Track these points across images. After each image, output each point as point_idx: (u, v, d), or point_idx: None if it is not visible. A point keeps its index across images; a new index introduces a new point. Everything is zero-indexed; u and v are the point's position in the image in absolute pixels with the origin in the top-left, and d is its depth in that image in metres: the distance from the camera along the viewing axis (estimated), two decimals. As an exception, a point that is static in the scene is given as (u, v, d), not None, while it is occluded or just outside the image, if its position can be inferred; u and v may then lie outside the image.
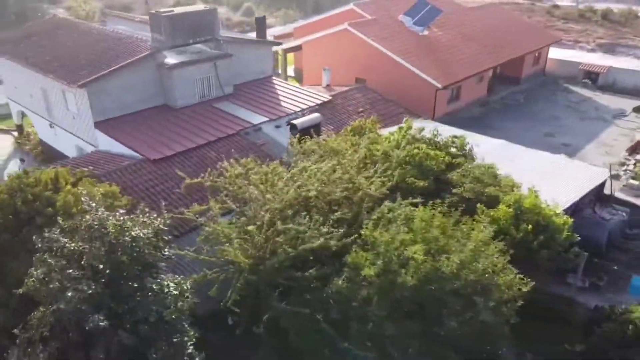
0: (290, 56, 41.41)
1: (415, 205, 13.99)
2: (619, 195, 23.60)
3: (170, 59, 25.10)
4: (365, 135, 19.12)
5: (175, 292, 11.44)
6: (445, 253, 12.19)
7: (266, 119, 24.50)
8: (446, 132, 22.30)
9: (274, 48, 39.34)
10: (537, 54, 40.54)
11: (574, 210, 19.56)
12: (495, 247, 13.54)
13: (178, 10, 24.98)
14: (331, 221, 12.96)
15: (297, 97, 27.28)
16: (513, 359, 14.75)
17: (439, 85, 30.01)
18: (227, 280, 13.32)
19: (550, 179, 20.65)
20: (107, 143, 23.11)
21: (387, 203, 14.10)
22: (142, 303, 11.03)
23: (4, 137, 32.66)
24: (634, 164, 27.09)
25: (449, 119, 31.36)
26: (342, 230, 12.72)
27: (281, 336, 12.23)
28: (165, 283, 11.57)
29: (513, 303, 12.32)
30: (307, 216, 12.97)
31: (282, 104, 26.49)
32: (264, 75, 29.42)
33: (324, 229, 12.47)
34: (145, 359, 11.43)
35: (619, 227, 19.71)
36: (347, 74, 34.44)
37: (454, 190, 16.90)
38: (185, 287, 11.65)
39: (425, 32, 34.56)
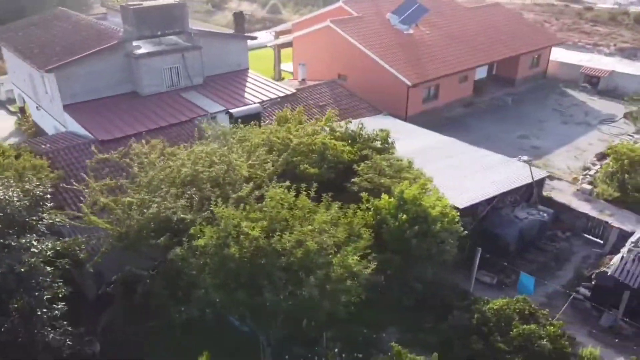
0: (289, 52, 42.48)
1: (294, 189, 14.70)
2: (563, 198, 23.40)
3: (142, 50, 26.82)
4: (285, 124, 19.98)
5: (34, 250, 12.86)
6: (291, 232, 13.02)
7: (222, 108, 25.76)
8: (395, 127, 22.95)
9: (270, 43, 40.86)
10: (536, 56, 39.78)
11: (492, 207, 19.71)
12: (362, 233, 14.26)
13: (147, 3, 26.63)
14: (192, 198, 14.05)
15: (263, 90, 28.42)
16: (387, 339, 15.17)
17: (409, 83, 30.30)
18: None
19: (476, 175, 20.85)
20: (75, 125, 25.08)
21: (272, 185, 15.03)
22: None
23: (11, 118, 35.71)
24: (597, 170, 26.49)
25: (424, 117, 31.67)
26: (190, 205, 13.86)
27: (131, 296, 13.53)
28: (29, 242, 13.01)
29: (354, 283, 12.97)
30: (173, 193, 14.11)
31: (246, 95, 27.69)
32: (239, 67, 30.71)
33: (173, 204, 13.58)
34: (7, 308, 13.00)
35: (536, 227, 19.61)
36: (330, 70, 35.26)
37: (353, 180, 17.56)
38: (46, 247, 13.04)
39: (411, 31, 34.79)
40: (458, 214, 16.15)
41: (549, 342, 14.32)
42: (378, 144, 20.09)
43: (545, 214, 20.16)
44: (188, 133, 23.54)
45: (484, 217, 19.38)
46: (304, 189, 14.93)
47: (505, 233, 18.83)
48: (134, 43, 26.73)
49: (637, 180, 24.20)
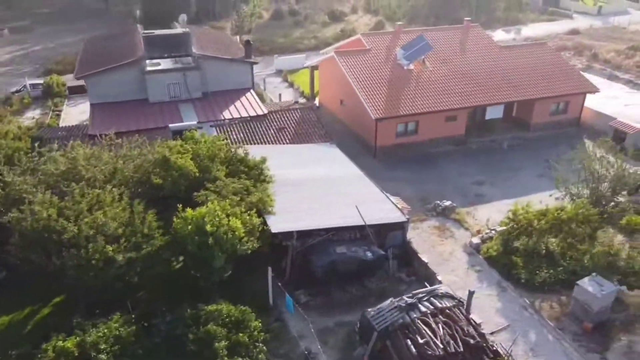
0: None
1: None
2: (441, 248, 24.76)
3: (153, 67, 34.31)
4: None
5: None
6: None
7: (195, 121, 31.86)
8: (317, 154, 27.26)
9: (305, 64, 45.87)
10: (561, 102, 38.04)
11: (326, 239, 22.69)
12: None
13: (159, 32, 33.96)
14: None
15: (242, 108, 33.90)
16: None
17: (373, 117, 32.93)
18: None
19: (329, 208, 23.83)
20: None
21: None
22: None
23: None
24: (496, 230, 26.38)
25: (399, 149, 34.30)
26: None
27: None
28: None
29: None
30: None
31: (225, 112, 33.46)
32: (242, 86, 36.62)
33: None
34: None
35: (355, 264, 21.99)
36: (335, 96, 39.34)
37: (195, 193, 22.28)
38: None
39: (411, 67, 36.76)
40: (243, 234, 20.02)
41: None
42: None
43: (370, 254, 22.33)
44: (162, 135, 30.13)
45: (312, 245, 22.48)
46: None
47: (315, 261, 21.75)
48: (153, 61, 34.37)
49: (527, 242, 24.31)
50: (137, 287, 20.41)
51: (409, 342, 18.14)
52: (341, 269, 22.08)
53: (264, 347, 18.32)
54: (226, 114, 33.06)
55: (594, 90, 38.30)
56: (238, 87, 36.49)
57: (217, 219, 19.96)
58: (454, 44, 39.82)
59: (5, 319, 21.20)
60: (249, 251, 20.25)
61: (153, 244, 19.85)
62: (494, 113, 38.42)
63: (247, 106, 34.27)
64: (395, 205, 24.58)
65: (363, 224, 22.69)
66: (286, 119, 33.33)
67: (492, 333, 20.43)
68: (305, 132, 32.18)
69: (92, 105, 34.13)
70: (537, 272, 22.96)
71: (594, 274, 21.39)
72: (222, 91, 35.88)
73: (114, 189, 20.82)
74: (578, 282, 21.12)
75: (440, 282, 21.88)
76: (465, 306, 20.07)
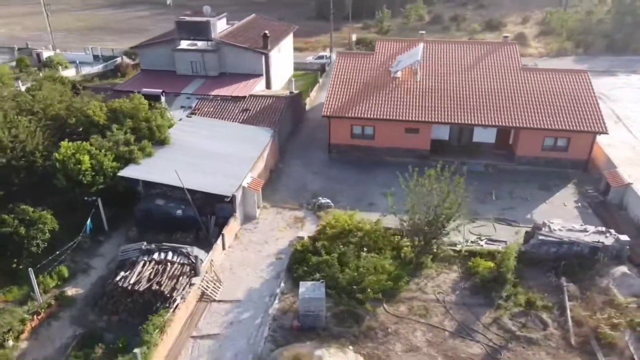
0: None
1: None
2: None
3: (181, 46, 42.40)
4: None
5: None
6: None
7: (160, 90, 38.23)
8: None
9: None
10: (561, 138, 33.28)
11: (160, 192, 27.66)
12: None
13: (189, 18, 41.61)
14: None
15: (233, 90, 39.52)
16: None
17: (323, 113, 35.01)
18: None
19: (192, 173, 28.36)
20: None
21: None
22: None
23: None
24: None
25: (353, 151, 35.89)
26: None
27: None
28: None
29: None
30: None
31: (219, 90, 39.54)
32: (254, 72, 42.19)
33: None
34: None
35: (163, 213, 26.41)
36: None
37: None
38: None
39: (398, 74, 36.98)
40: (87, 168, 26.37)
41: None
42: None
43: (179, 212, 26.29)
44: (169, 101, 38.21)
45: (150, 195, 27.62)
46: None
47: (138, 206, 26.90)
48: (189, 42, 42.58)
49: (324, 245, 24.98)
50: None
51: (117, 272, 22.48)
52: (156, 217, 26.81)
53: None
54: (217, 92, 39.14)
55: (601, 130, 32.46)
56: (251, 72, 42.15)
57: (70, 151, 26.81)
58: (466, 59, 37.98)
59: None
60: (88, 181, 26.48)
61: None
62: (483, 136, 36.03)
63: (238, 88, 39.78)
64: (243, 185, 27.76)
65: (186, 187, 26.76)
66: (257, 103, 37.80)
67: (219, 301, 22.91)
68: (260, 116, 36.19)
69: (141, 70, 44.15)
70: (305, 268, 23.78)
71: (321, 280, 21.74)
72: (236, 74, 42.05)
73: (31, 117, 29.45)
74: (302, 282, 21.80)
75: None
76: (194, 268, 23.00)
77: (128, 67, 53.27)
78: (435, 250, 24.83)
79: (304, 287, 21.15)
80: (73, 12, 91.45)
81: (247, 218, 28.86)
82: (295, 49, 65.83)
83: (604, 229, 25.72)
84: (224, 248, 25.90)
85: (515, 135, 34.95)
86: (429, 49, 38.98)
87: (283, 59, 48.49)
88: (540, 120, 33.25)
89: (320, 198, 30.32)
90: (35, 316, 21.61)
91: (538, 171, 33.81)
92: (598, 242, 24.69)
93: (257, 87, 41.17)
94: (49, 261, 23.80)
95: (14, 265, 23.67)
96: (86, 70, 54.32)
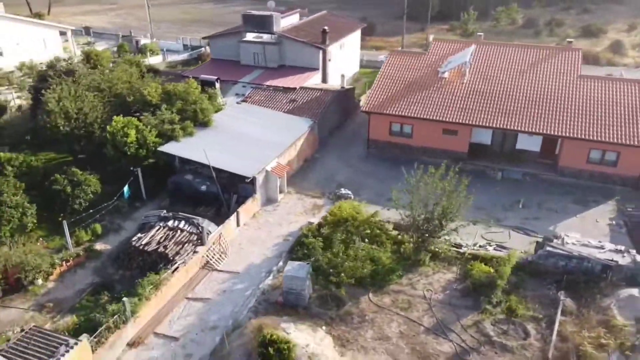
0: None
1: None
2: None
3: (248, 38, 45.10)
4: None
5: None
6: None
7: (254, 84, 41.24)
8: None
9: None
10: (610, 152, 31.25)
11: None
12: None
13: (256, 12, 44.07)
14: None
15: (286, 81, 41.41)
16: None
17: (362, 109, 35.75)
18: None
19: (227, 154, 30.72)
20: (210, 69, 47.08)
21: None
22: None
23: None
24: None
25: (391, 147, 36.41)
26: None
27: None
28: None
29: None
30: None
31: (273, 81, 41.64)
32: (310, 66, 43.87)
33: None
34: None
35: (189, 187, 28.84)
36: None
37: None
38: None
39: (445, 75, 36.69)
40: (133, 141, 29.64)
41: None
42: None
43: (204, 187, 28.59)
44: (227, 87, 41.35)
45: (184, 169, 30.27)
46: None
47: (170, 179, 29.66)
48: (255, 34, 45.30)
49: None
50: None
51: (137, 233, 25.25)
52: (184, 190, 29.45)
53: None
54: (271, 82, 41.29)
55: (650, 145, 30.03)
56: (308, 65, 43.88)
57: (119, 125, 30.26)
58: (521, 63, 36.67)
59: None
60: (132, 152, 29.78)
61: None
62: (528, 144, 34.79)
63: (292, 80, 41.63)
64: (266, 169, 29.62)
65: (212, 166, 29.03)
66: (305, 95, 39.39)
67: (220, 271, 24.88)
68: (305, 107, 37.74)
69: (212, 59, 47.64)
70: (305, 250, 24.96)
71: (308, 262, 22.87)
72: (294, 67, 44.02)
73: (97, 93, 33.50)
74: (290, 261, 23.04)
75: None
76: (200, 238, 25.13)
77: (209, 56, 57.31)
78: (433, 248, 24.86)
79: (290, 266, 22.40)
80: (181, 5, 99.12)
81: (269, 201, 30.58)
82: (373, 47, 67.04)
83: (622, 247, 24.16)
84: (238, 224, 27.82)
85: (560, 145, 33.33)
86: (483, 51, 38.14)
87: (346, 55, 49.57)
88: (586, 130, 31.49)
89: (342, 189, 31.24)
90: (64, 263, 24.95)
91: (581, 185, 32.05)
92: (612, 260, 23.32)
93: (313, 80, 42.75)
94: (87, 218, 27.23)
95: (60, 219, 27.31)
96: (172, 57, 59.33)
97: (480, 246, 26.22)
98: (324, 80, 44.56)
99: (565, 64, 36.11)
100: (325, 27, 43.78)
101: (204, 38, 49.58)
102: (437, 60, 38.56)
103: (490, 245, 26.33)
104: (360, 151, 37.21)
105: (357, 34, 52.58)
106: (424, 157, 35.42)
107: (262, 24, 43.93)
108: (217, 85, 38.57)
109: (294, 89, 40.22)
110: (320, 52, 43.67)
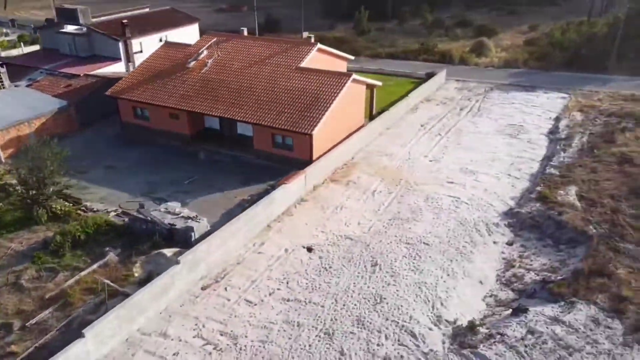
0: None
1: None
2: None
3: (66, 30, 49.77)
4: None
5: None
6: None
7: (54, 70, 46.05)
8: None
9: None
10: (288, 138, 34.02)
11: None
12: None
13: (66, 6, 48.64)
14: None
15: (80, 70, 45.82)
16: None
17: (107, 92, 39.83)
18: None
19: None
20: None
21: None
22: None
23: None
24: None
25: (136, 129, 40.15)
26: None
27: None
28: None
29: None
30: None
31: (71, 69, 46.14)
32: (115, 56, 48.23)
33: None
34: None
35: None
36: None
37: None
38: None
39: (191, 65, 40.14)
40: None
41: None
42: None
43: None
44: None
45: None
46: None
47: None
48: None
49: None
50: None
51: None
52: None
53: None
54: (67, 70, 45.86)
55: (307, 132, 32.65)
56: (113, 55, 48.31)
57: None
58: (258, 56, 39.70)
59: None
60: None
61: None
62: (244, 130, 37.90)
63: (85, 68, 46.03)
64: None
65: None
66: (82, 82, 43.67)
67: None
68: (72, 91, 42.06)
69: (43, 48, 52.67)
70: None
71: None
72: (103, 56, 48.61)
73: None
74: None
75: None
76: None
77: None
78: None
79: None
80: None
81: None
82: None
83: (195, 214, 27.44)
84: None
85: (253, 130, 36.13)
86: (233, 44, 41.30)
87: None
88: (269, 118, 34.38)
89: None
90: None
91: (268, 166, 34.81)
92: (174, 225, 26.65)
93: (112, 69, 47.02)
94: None
95: None
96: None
97: (112, 210, 29.66)
98: (128, 69, 48.74)
99: (291, 57, 38.91)
100: (124, 20, 47.99)
101: (34, 30, 54.74)
102: (197, 52, 42.02)
103: (118, 210, 29.80)
104: (116, 131, 41.10)
105: (192, 28, 56.32)
106: (158, 138, 39.17)
107: (72, 17, 48.60)
108: (3, 70, 43.28)
109: (79, 75, 44.61)
110: (120, 43, 47.91)
